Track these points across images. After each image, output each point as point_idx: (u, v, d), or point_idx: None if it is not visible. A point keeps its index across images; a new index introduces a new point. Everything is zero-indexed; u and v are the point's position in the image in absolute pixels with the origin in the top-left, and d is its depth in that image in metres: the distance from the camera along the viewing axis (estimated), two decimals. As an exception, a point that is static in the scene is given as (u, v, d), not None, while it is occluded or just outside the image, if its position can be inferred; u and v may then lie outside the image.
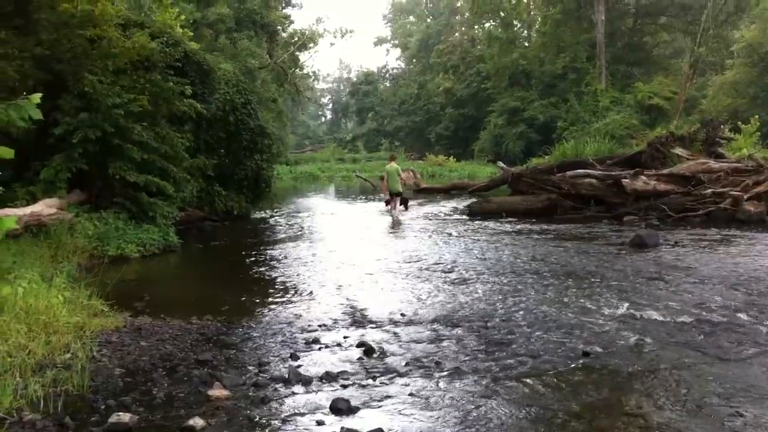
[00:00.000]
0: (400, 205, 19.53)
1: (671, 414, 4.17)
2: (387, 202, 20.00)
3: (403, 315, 6.86)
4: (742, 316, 6.52)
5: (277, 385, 4.72)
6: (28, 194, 10.82)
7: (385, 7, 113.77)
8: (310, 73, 59.09)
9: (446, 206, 21.26)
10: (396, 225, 16.30)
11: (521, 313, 6.85)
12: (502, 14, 56.05)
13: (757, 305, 6.94)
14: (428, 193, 27.43)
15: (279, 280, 9.12)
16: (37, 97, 4.48)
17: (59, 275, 6.93)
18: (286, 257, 11.14)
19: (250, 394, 4.55)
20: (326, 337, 6.04)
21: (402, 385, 4.75)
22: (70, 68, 11.84)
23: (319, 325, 6.49)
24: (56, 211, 10.36)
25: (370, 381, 4.83)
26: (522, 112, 49.59)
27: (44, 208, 10.15)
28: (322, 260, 10.76)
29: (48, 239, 9.65)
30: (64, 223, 10.22)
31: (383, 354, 5.50)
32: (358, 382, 4.82)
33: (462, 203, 20.93)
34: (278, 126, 43.88)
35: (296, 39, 47.94)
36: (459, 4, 71.22)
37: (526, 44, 58.65)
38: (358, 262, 10.50)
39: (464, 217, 17.54)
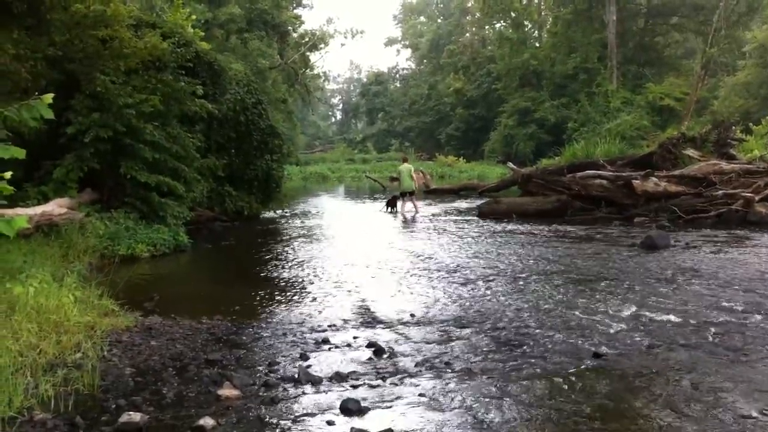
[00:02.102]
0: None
1: (683, 416, 4.13)
2: (389, 203, 20.11)
3: (412, 315, 6.85)
4: (754, 317, 6.46)
5: (287, 385, 4.72)
6: (39, 194, 10.90)
7: (395, 7, 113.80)
8: (321, 74, 59.35)
9: (456, 207, 21.23)
10: (406, 225, 16.30)
11: (531, 314, 6.82)
12: (513, 15, 55.89)
13: (770, 307, 6.88)
14: (438, 194, 27.41)
15: (288, 280, 9.14)
16: (49, 97, 4.49)
17: (70, 275, 6.95)
18: (295, 257, 11.15)
19: (260, 394, 4.55)
20: (336, 338, 6.03)
21: (412, 385, 4.73)
22: (83, 68, 11.91)
23: (329, 326, 6.49)
24: (67, 211, 10.40)
25: (380, 381, 4.82)
26: (533, 112, 49.43)
27: (55, 207, 10.20)
28: (331, 260, 10.77)
29: (59, 239, 9.69)
30: (75, 223, 10.26)
31: (393, 354, 5.49)
32: (368, 382, 4.81)
33: (472, 204, 20.88)
34: (288, 126, 44.05)
35: (307, 39, 48.12)
36: (470, 5, 71.01)
37: (537, 45, 58.44)
38: (367, 262, 10.50)
39: (474, 217, 17.50)
